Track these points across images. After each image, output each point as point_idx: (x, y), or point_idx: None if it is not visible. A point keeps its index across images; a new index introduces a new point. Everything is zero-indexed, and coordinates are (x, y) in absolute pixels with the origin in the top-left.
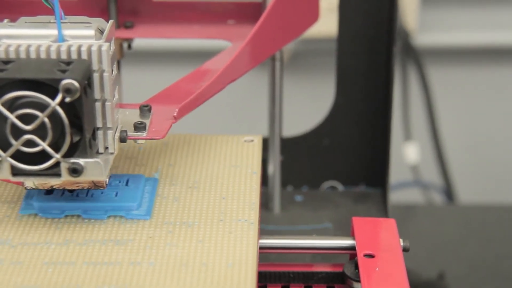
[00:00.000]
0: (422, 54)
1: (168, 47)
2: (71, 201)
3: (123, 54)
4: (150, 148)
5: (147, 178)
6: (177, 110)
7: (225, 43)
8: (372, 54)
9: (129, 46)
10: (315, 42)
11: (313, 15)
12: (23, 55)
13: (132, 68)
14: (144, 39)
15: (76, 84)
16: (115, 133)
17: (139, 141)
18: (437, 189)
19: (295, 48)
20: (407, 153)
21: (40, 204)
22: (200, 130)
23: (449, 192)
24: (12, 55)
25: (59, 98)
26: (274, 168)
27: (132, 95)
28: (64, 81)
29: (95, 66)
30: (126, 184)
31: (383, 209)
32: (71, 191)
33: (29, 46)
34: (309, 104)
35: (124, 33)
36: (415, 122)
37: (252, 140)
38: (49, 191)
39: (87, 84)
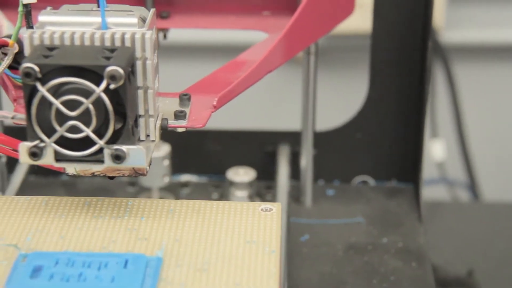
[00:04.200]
0: (449, 51)
1: (196, 41)
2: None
3: (159, 44)
4: (154, 217)
5: (149, 258)
6: (216, 99)
7: (254, 37)
8: (406, 49)
9: (165, 36)
10: (342, 38)
11: (348, 6)
12: (67, 42)
13: (164, 61)
14: (178, 32)
15: (121, 71)
16: (156, 121)
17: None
18: (462, 186)
19: (322, 44)
20: (433, 150)
21: None
22: (232, 123)
23: (474, 190)
24: (57, 42)
25: (104, 84)
26: (306, 162)
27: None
28: (109, 68)
29: (138, 53)
30: (125, 266)
31: (415, 205)
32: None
33: (73, 33)
34: (337, 99)
35: (160, 23)
36: (441, 119)
37: (270, 209)
38: (35, 273)
39: (130, 71)
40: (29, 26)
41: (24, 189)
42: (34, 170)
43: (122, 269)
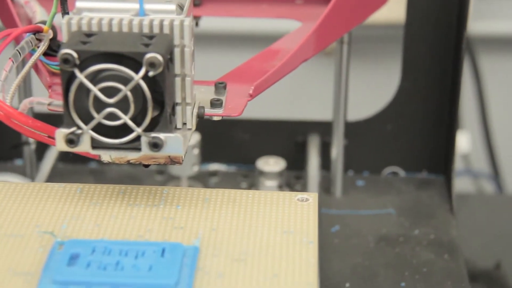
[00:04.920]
0: (474, 42)
1: (226, 30)
2: (98, 276)
3: None
4: (190, 206)
5: (186, 247)
6: (253, 87)
7: (285, 26)
8: (439, 40)
9: (196, 24)
10: (375, 28)
11: None
12: (105, 29)
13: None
14: (209, 20)
15: (160, 58)
16: (193, 109)
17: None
18: (487, 178)
19: (354, 34)
20: (458, 142)
21: (61, 279)
22: (262, 112)
23: (498, 182)
24: (95, 28)
25: (142, 71)
26: (337, 152)
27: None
28: (149, 55)
29: (176, 41)
30: (162, 255)
31: (446, 197)
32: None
33: (111, 19)
34: (368, 89)
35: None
36: (466, 111)
37: (307, 199)
38: (72, 260)
39: (169, 58)
40: (65, 12)
41: (53, 177)
42: (63, 158)
43: (159, 258)
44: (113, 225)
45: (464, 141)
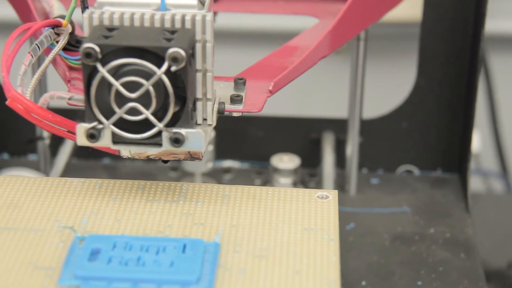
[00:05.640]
0: (484, 41)
1: (241, 27)
2: (119, 272)
3: None
4: (209, 202)
5: (206, 243)
6: (272, 84)
7: (299, 23)
8: (456, 38)
9: None
10: (391, 26)
11: None
12: (127, 23)
13: None
14: (225, 16)
15: (183, 53)
16: (213, 104)
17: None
18: (496, 177)
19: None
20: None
21: (83, 274)
22: (277, 109)
23: (507, 181)
24: (116, 23)
25: (165, 66)
26: (352, 149)
27: None
28: (171, 50)
29: (198, 36)
30: (183, 251)
31: (461, 195)
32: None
33: (132, 13)
34: (383, 87)
35: None
36: (476, 110)
37: (327, 197)
38: (93, 256)
39: (191, 53)
40: (84, 6)
41: (67, 172)
42: (77, 153)
43: (180, 254)
44: (133, 221)
45: (474, 140)
